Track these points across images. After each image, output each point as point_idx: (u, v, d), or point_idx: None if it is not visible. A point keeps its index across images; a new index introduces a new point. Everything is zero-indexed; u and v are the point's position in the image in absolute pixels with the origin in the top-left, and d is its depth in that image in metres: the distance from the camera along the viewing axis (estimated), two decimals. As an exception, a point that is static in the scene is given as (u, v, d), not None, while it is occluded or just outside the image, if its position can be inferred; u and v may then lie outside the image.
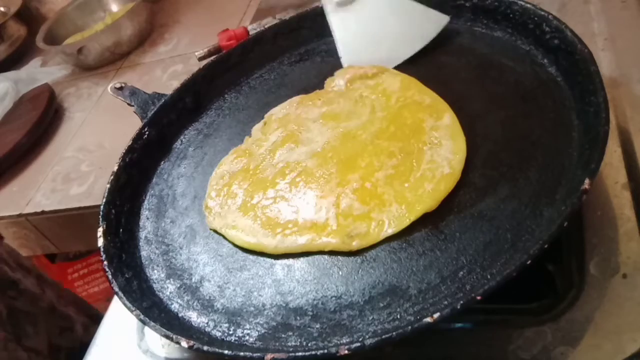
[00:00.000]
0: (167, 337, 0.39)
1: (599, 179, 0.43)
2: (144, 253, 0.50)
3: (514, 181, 0.42)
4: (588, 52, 0.43)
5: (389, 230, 0.42)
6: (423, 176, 0.44)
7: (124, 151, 0.57)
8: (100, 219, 0.50)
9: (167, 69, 0.95)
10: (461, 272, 0.38)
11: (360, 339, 0.34)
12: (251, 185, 0.50)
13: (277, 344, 0.39)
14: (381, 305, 0.38)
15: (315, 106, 0.55)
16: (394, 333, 0.33)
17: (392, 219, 0.42)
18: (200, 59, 0.78)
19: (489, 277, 0.37)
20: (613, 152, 0.45)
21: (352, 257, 0.42)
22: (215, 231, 0.49)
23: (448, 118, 0.48)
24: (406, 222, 0.42)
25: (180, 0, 1.15)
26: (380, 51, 0.57)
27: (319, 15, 0.63)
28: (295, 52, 0.65)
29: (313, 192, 0.47)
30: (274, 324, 0.40)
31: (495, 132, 0.46)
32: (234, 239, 0.47)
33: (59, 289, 0.80)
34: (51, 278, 0.82)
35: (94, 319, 0.79)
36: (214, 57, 0.68)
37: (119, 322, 0.52)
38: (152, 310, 0.44)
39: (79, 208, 0.76)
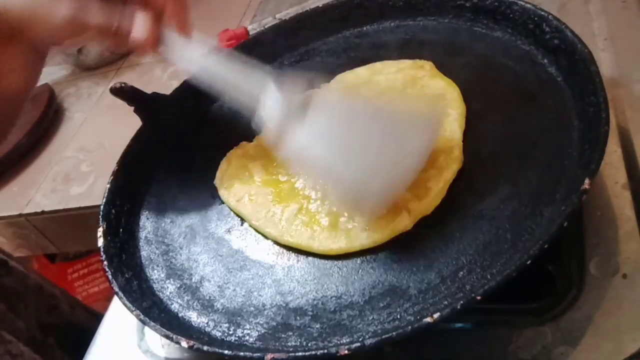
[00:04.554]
0: (167, 337, 0.39)
1: (599, 179, 0.43)
2: (144, 253, 0.50)
3: (514, 181, 0.42)
4: (588, 52, 0.43)
5: None
6: None
7: (124, 151, 0.57)
8: (100, 219, 0.50)
9: (167, 69, 0.95)
10: (461, 272, 0.38)
11: (360, 339, 0.34)
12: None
13: (277, 344, 0.39)
14: (381, 305, 0.38)
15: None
16: (394, 333, 0.33)
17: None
18: (200, 58, 0.78)
19: (489, 277, 0.37)
20: (613, 152, 0.45)
21: (352, 257, 0.42)
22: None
23: None
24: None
25: (180, 0, 1.15)
26: None
27: (319, 15, 0.63)
28: (295, 52, 0.65)
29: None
30: (274, 324, 0.40)
31: (495, 132, 0.46)
32: None
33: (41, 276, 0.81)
34: (49, 278, 0.83)
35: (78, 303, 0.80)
36: (214, 57, 0.68)
37: (119, 322, 0.52)
38: (152, 310, 0.44)
39: (79, 208, 0.76)
